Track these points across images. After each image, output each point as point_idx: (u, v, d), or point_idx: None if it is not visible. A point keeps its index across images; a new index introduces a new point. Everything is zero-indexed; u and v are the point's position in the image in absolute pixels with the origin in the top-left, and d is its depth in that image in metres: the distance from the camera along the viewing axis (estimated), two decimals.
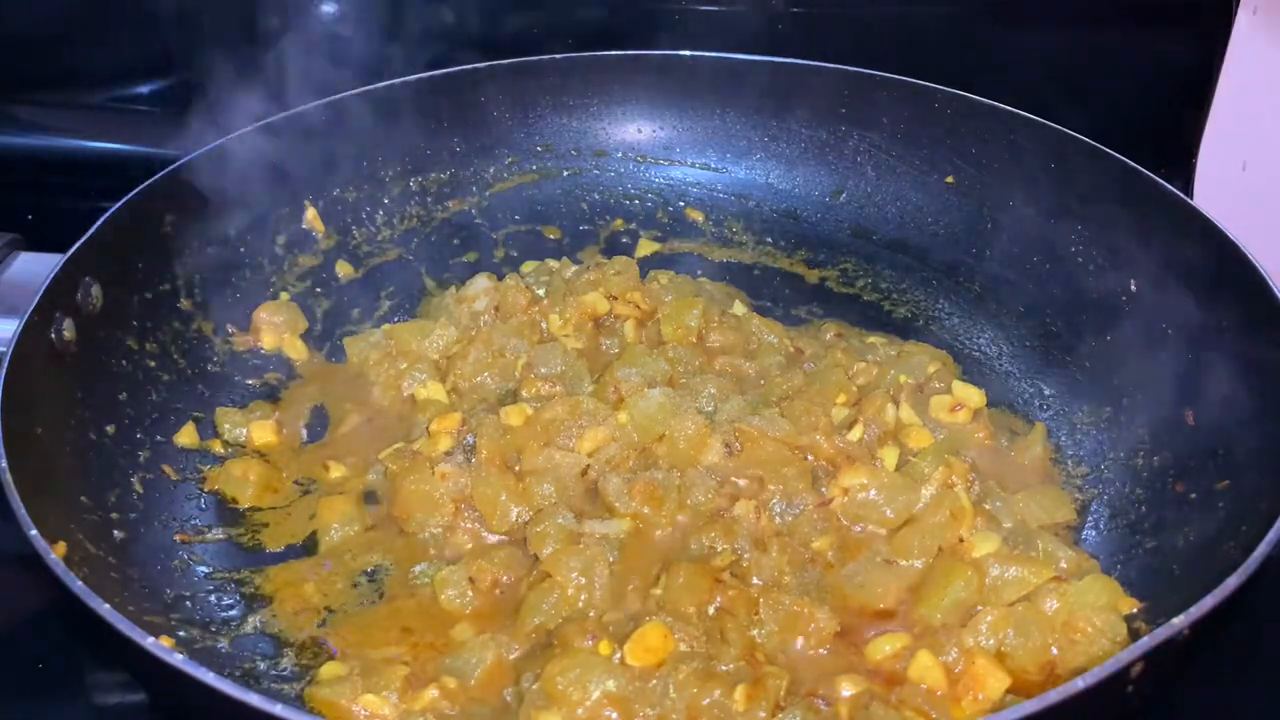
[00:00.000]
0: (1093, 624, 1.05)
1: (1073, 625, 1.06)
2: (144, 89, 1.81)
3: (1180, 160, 1.57)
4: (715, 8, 1.72)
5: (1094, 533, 1.23)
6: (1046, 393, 1.40)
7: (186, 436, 1.31)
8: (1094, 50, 1.60)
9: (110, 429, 1.25)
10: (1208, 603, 0.89)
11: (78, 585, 0.93)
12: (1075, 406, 1.36)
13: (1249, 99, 1.52)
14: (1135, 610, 1.08)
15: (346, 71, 1.50)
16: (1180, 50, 1.59)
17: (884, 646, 1.08)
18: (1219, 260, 1.27)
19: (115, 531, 1.17)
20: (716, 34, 1.69)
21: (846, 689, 1.04)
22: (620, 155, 1.68)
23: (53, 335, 1.21)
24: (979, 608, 1.09)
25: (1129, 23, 1.58)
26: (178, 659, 0.87)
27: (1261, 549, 0.94)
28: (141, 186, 1.35)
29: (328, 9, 1.68)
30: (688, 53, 1.63)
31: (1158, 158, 1.42)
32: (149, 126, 1.78)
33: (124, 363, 1.30)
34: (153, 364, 1.33)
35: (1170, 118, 1.60)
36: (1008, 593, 1.09)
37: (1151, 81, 1.60)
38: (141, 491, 1.24)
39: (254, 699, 0.85)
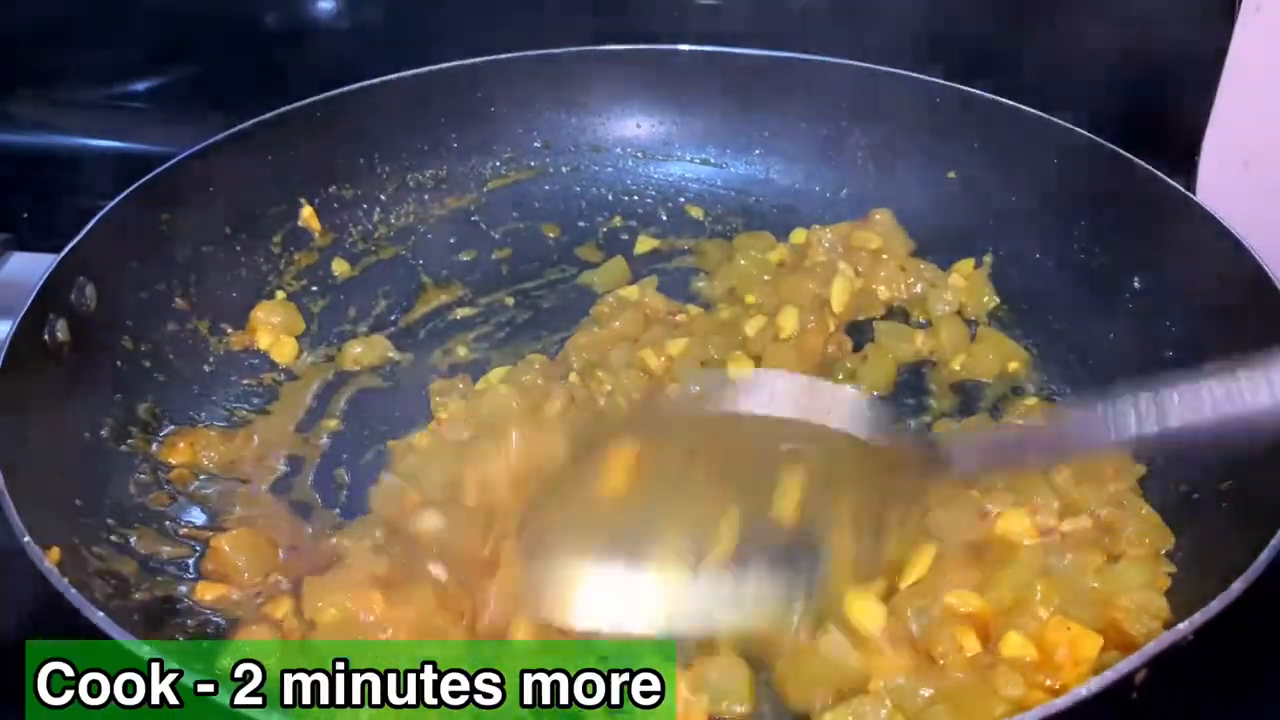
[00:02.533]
0: (1134, 601, 1.05)
1: (1114, 604, 1.05)
2: (140, 86, 1.80)
3: (1182, 157, 1.57)
4: (714, 1, 1.70)
5: None
6: (1050, 390, 1.39)
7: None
8: (1096, 47, 1.59)
9: (105, 431, 1.24)
10: (1213, 607, 0.89)
11: (72, 593, 0.93)
12: (1078, 405, 1.35)
13: (1252, 96, 1.52)
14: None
15: (343, 66, 1.48)
16: (1183, 47, 1.58)
17: (969, 600, 1.07)
18: (1222, 257, 1.26)
19: (111, 536, 1.16)
20: (715, 28, 1.67)
21: (970, 647, 1.03)
22: (619, 151, 1.66)
23: (46, 336, 1.20)
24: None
25: (1132, 19, 1.57)
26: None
27: (1267, 553, 0.93)
28: (136, 185, 1.34)
29: (325, 5, 1.66)
30: (686, 47, 1.61)
31: (1160, 154, 1.41)
32: (145, 124, 1.78)
33: (119, 363, 1.29)
34: (148, 364, 1.32)
35: (1172, 114, 1.60)
36: (1064, 576, 1.08)
37: (1154, 78, 1.60)
38: (136, 494, 1.23)
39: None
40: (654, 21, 1.67)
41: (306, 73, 1.45)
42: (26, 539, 0.97)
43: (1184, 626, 0.88)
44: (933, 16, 1.60)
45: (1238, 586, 0.90)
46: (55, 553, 1.01)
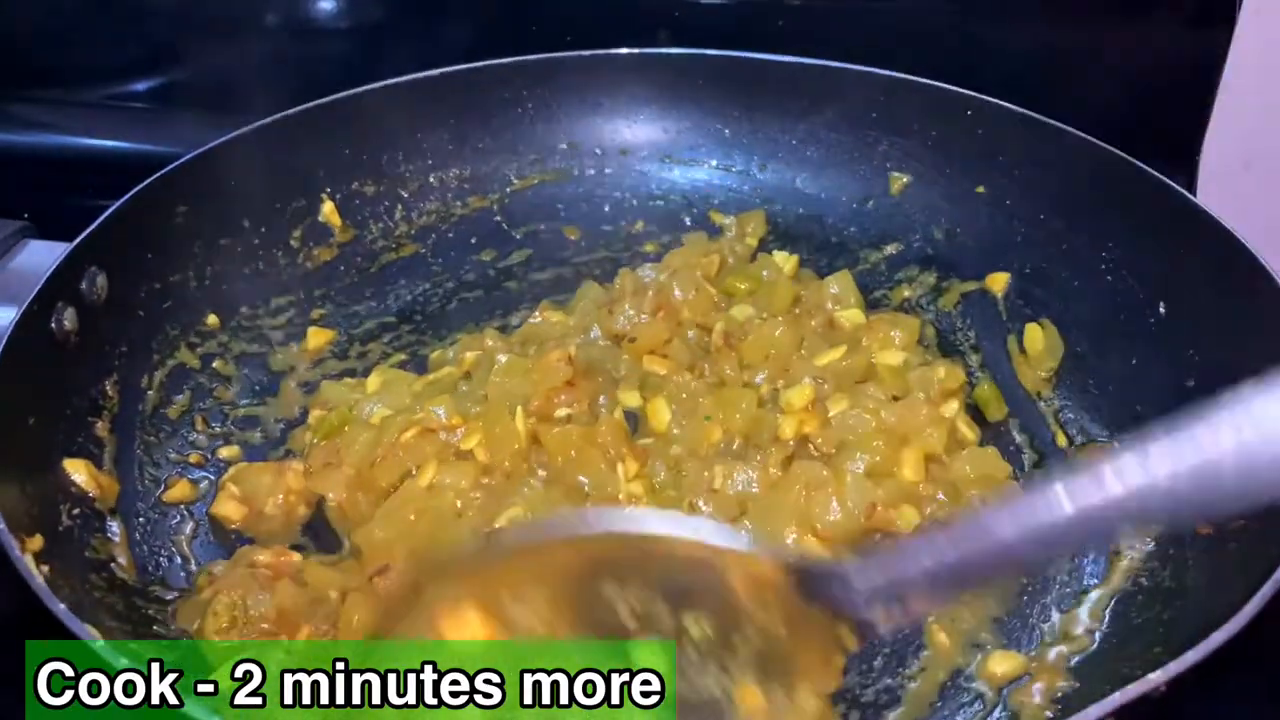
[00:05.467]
0: None
1: None
2: (140, 86, 1.82)
3: (1183, 158, 1.52)
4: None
5: None
6: (1067, 415, 1.34)
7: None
8: (1097, 48, 1.55)
9: (108, 421, 1.25)
10: (1189, 658, 0.85)
11: (37, 583, 0.94)
12: (1093, 433, 1.31)
13: (1252, 96, 1.49)
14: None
15: (343, 67, 1.48)
16: (1183, 48, 1.54)
17: None
18: (1254, 291, 1.20)
19: (111, 524, 1.17)
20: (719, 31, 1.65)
21: None
22: (644, 155, 1.64)
23: (53, 324, 1.21)
24: None
25: (1132, 21, 1.53)
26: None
27: (1254, 603, 0.89)
28: (155, 176, 1.35)
29: (325, 5, 1.66)
30: (714, 52, 1.59)
31: (1160, 155, 1.37)
32: (145, 124, 1.80)
33: (128, 353, 1.30)
34: (158, 356, 1.34)
35: (1172, 115, 1.55)
36: None
37: (1154, 79, 1.56)
38: (140, 484, 1.24)
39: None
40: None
41: (306, 73, 1.45)
42: (1, 526, 0.98)
43: (1156, 677, 0.83)
44: (932, 17, 1.57)
45: (1217, 639, 0.86)
46: (37, 540, 1.02)
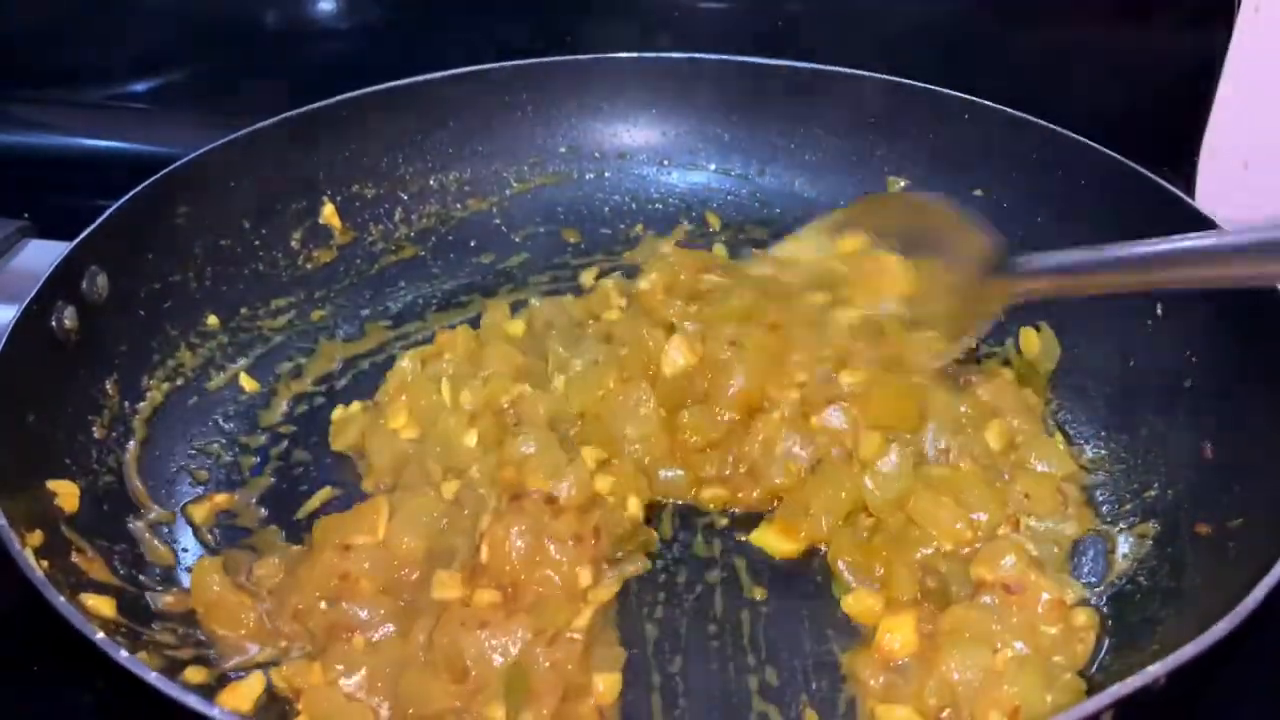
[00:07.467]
0: None
1: None
2: (140, 86, 1.82)
3: (1181, 158, 1.53)
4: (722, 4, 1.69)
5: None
6: (1064, 417, 1.35)
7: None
8: (1096, 49, 1.55)
9: (108, 420, 1.25)
10: (1187, 651, 0.85)
11: (37, 576, 0.94)
12: (1090, 434, 1.32)
13: (1251, 96, 1.51)
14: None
15: (342, 67, 1.48)
16: (1183, 48, 1.55)
17: None
18: (1252, 292, 1.21)
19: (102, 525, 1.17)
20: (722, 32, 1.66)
21: None
22: (644, 159, 1.65)
23: (53, 323, 1.21)
24: None
25: (1132, 21, 1.54)
26: (123, 655, 0.87)
27: (1253, 597, 0.89)
28: (155, 176, 1.35)
29: (325, 5, 1.67)
30: (713, 56, 1.60)
31: (1159, 155, 1.38)
32: (145, 124, 1.80)
33: (127, 352, 1.31)
34: (158, 356, 1.34)
35: (1171, 115, 1.56)
36: None
37: (1153, 79, 1.57)
38: (139, 482, 1.24)
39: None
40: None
41: (306, 73, 1.45)
42: (2, 523, 0.98)
43: (1155, 669, 0.84)
44: (932, 19, 1.58)
45: (1222, 627, 0.86)
46: (37, 536, 1.02)
